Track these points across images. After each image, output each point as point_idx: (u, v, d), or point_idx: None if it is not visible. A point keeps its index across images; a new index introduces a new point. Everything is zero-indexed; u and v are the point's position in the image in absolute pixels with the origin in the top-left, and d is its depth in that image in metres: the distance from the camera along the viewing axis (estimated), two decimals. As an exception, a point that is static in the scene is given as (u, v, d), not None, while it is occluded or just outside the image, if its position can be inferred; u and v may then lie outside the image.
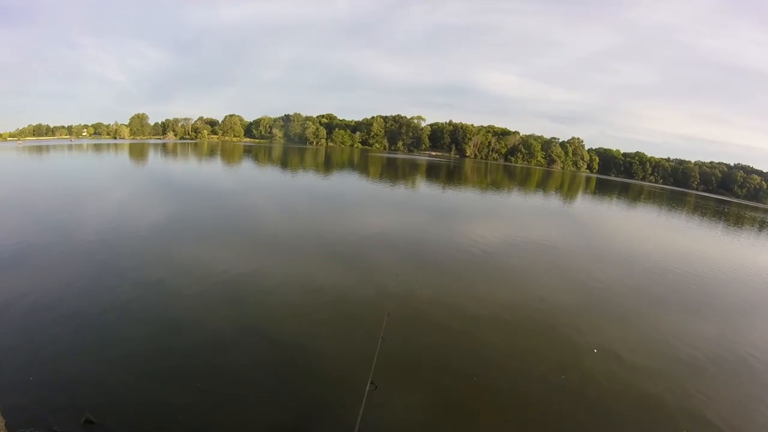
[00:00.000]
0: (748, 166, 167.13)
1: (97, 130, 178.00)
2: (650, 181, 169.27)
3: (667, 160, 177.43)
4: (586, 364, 14.79)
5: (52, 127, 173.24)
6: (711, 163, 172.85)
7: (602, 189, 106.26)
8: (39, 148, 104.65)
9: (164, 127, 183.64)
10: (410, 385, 12.75)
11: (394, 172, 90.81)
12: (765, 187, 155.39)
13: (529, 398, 12.70)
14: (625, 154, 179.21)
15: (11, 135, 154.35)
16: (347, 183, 64.91)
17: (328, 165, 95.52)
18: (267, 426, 10.56)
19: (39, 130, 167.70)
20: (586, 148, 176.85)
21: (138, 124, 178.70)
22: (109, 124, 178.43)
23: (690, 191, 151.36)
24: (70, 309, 15.43)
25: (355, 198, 50.31)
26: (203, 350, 13.66)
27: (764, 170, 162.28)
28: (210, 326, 15.04)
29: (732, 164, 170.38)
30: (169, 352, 13.40)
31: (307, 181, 63.30)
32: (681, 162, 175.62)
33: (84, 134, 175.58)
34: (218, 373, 12.49)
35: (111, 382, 11.67)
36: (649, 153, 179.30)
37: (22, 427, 9.56)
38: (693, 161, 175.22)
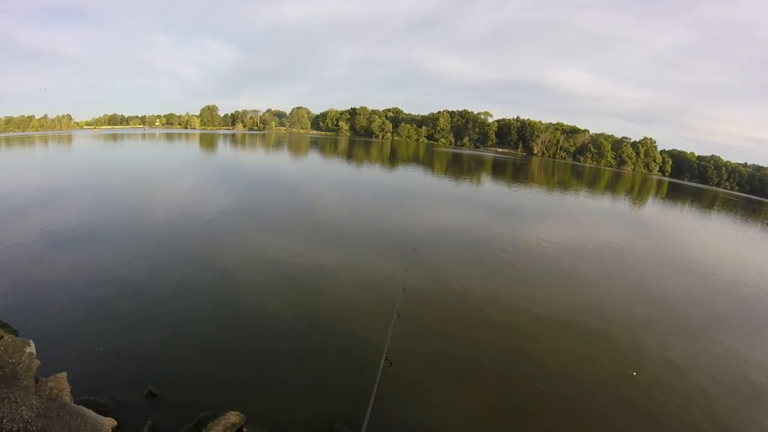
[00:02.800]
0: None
1: (169, 120, 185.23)
2: (725, 187, 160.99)
3: (744, 165, 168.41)
4: (647, 376, 14.68)
5: (126, 116, 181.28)
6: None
7: (674, 194, 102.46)
8: (114, 136, 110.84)
9: (233, 119, 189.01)
10: (465, 385, 13.19)
11: (459, 168, 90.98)
12: None
13: (582, 409, 12.81)
14: (699, 157, 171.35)
15: (87, 123, 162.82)
16: (411, 178, 65.79)
17: (393, 159, 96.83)
18: (318, 411, 11.11)
19: (114, 120, 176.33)
20: (659, 149, 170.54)
21: (208, 115, 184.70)
22: (181, 115, 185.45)
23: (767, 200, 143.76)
24: (139, 287, 16.81)
25: (419, 193, 51.17)
26: (262, 333, 14.56)
27: None
28: (269, 311, 16.01)
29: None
30: (229, 333, 14.37)
31: (371, 174, 64.68)
32: (759, 168, 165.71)
33: (157, 124, 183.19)
34: (276, 356, 13.25)
35: (173, 357, 12.64)
36: (725, 157, 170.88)
37: (87, 395, 10.10)
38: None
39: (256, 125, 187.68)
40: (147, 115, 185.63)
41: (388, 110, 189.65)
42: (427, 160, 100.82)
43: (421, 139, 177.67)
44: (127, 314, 14.80)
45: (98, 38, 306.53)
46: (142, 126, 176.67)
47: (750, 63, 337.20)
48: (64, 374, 9.54)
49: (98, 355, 12.24)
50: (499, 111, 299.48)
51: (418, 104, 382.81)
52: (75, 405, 8.85)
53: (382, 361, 9.33)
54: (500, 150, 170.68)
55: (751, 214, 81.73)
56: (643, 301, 21.95)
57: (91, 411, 8.73)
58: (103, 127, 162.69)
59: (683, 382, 14.67)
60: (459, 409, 11.90)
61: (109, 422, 8.71)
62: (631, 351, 16.30)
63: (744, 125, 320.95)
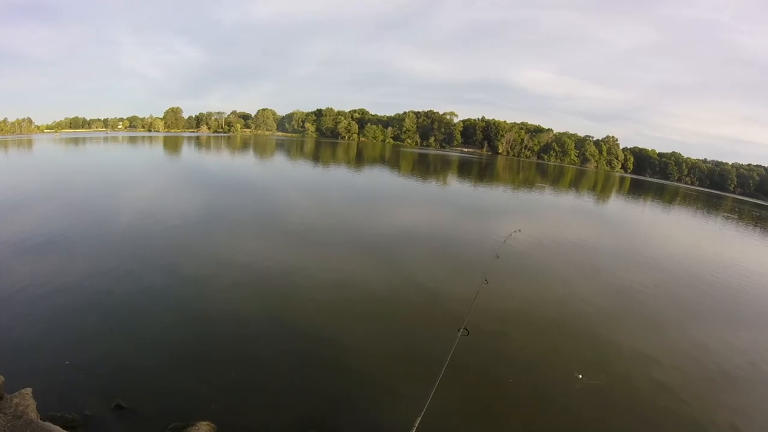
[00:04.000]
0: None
1: (132, 123, 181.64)
2: (686, 183, 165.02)
3: (704, 161, 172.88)
4: (614, 368, 14.68)
5: (88, 119, 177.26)
6: (749, 165, 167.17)
7: (636, 190, 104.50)
8: (75, 140, 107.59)
9: (198, 121, 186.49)
10: (434, 386, 12.65)
11: (425, 168, 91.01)
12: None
13: (546, 397, 12.78)
14: (660, 154, 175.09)
15: (48, 127, 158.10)
16: (378, 178, 65.42)
17: (359, 160, 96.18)
18: (291, 417, 10.69)
19: (75, 123, 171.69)
20: (621, 147, 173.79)
21: (172, 117, 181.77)
22: (144, 117, 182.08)
23: (726, 194, 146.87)
24: (104, 295, 15.98)
25: (385, 193, 50.77)
26: (232, 339, 14.00)
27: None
28: (239, 316, 15.44)
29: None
30: (198, 340, 13.78)
31: (338, 175, 63.95)
32: (718, 164, 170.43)
33: (119, 127, 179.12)
34: (247, 362, 12.76)
35: (141, 367, 12.00)
36: (685, 153, 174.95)
37: (54, 410, 9.65)
38: (730, 163, 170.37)
39: (221, 127, 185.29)
40: (109, 117, 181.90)
41: (354, 111, 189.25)
42: (393, 161, 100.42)
43: (387, 140, 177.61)
44: (92, 324, 14.01)
45: (60, 37, 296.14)
46: (104, 129, 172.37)
47: (710, 62, 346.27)
48: (29, 390, 9.22)
49: (64, 368, 11.53)
50: (464, 111, 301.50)
51: (384, 105, 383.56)
52: (42, 422, 8.43)
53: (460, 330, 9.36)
54: (466, 150, 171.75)
55: (712, 208, 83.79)
56: (608, 295, 21.96)
57: (59, 427, 8.28)
58: (64, 130, 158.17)
59: (651, 372, 14.62)
60: (433, 406, 11.51)
61: None
62: (597, 344, 16.29)
63: (704, 122, 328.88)
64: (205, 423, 9.69)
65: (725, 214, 76.06)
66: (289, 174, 62.41)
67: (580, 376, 13.71)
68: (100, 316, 14.54)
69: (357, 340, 14.49)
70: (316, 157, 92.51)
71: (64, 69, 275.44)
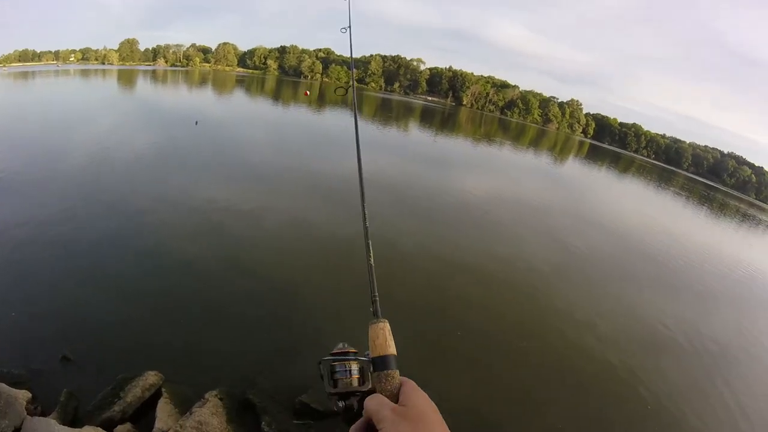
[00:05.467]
0: (741, 156, 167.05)
1: (85, 55, 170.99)
2: (642, 155, 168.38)
3: (663, 136, 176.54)
4: (557, 323, 15.12)
5: (38, 52, 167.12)
6: (705, 147, 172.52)
7: (594, 155, 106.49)
8: (24, 74, 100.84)
9: (155, 54, 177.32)
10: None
11: (388, 113, 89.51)
12: (754, 180, 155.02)
13: (497, 353, 12.96)
14: (621, 124, 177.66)
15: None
16: (339, 121, 63.01)
17: (321, 101, 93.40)
18: (239, 368, 10.47)
19: (25, 56, 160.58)
20: (584, 112, 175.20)
21: (128, 49, 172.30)
22: (98, 49, 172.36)
23: (680, 171, 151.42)
24: (54, 241, 14.97)
25: (346, 138, 48.72)
26: (183, 288, 13.39)
27: (756, 163, 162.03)
28: (192, 264, 14.71)
29: (725, 152, 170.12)
30: (148, 288, 13.15)
31: (298, 117, 61.90)
32: (676, 140, 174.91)
33: (71, 59, 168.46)
34: (198, 314, 12.29)
35: (89, 318, 11.45)
36: (645, 126, 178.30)
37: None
38: (688, 142, 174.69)
39: (179, 61, 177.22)
40: (61, 50, 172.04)
41: (320, 50, 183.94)
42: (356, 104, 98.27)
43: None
44: (39, 272, 13.08)
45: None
46: (55, 62, 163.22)
47: (687, 40, 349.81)
48: None
49: (9, 322, 10.90)
50: (432, 58, 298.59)
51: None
52: None
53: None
54: (430, 98, 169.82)
55: (664, 182, 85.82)
56: (557, 254, 22.29)
57: (4, 384, 7.94)
58: (12, 64, 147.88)
59: (593, 328, 15.35)
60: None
61: (24, 395, 8.11)
62: (544, 299, 16.70)
63: (667, 98, 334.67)
64: (152, 373, 9.53)
65: (676, 190, 78.00)
66: (247, 114, 59.95)
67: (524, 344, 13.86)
68: (48, 266, 13.59)
69: (309, 290, 14.20)
70: (276, 96, 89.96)
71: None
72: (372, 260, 1.52)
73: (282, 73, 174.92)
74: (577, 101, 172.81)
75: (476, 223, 24.26)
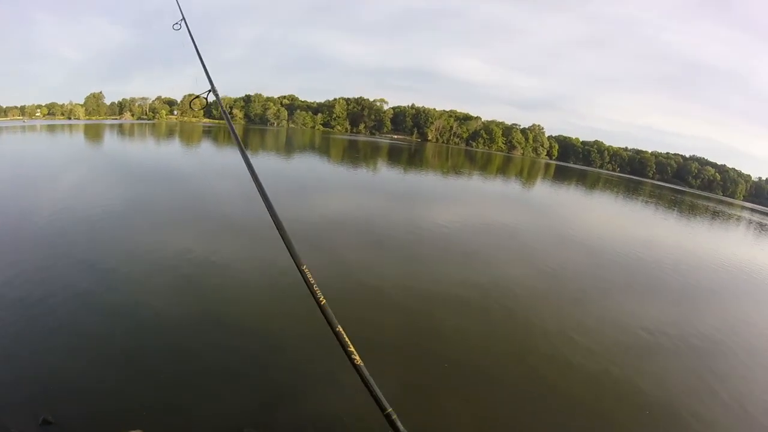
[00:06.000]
0: (703, 158, 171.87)
1: (51, 110, 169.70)
2: (608, 169, 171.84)
3: (625, 149, 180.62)
4: (545, 345, 14.81)
5: (4, 107, 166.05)
6: (667, 153, 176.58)
7: (561, 176, 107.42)
8: None
9: (121, 107, 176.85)
10: (369, 367, 12.33)
11: (355, 154, 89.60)
12: (718, 179, 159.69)
13: (487, 381, 12.59)
14: (584, 142, 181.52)
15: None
16: (307, 165, 63.44)
17: (289, 147, 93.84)
18: (227, 415, 10.00)
19: None
20: (547, 135, 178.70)
21: (94, 103, 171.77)
22: (64, 104, 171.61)
23: (646, 180, 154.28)
24: (22, 300, 14.33)
25: (315, 180, 48.88)
26: (161, 338, 13.01)
27: (718, 162, 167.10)
28: (169, 314, 14.33)
29: (687, 155, 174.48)
30: (125, 342, 12.64)
31: (266, 163, 62.01)
32: (638, 152, 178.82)
33: (38, 114, 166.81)
34: (179, 362, 11.93)
35: (67, 377, 10.92)
36: (608, 142, 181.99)
37: None
38: (650, 151, 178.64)
39: (146, 114, 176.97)
40: (27, 105, 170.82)
41: (284, 97, 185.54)
42: (323, 148, 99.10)
43: (317, 127, 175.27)
44: (11, 333, 12.47)
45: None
46: (21, 117, 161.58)
47: (633, 56, 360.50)
48: None
49: None
50: (394, 98, 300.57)
51: (314, 90, 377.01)
52: None
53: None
54: (396, 136, 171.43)
55: (632, 193, 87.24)
56: (537, 276, 22.12)
57: None
58: None
59: (581, 345, 15.10)
60: (363, 392, 11.07)
61: None
62: (528, 323, 16.45)
63: (625, 113, 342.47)
64: None
65: (644, 198, 79.41)
66: (216, 163, 59.67)
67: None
68: (20, 324, 13.07)
69: (290, 331, 13.86)
70: (244, 145, 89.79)
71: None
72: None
73: (248, 122, 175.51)
74: (539, 126, 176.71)
75: (450, 255, 24.07)
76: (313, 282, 1.99)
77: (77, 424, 9.42)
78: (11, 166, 44.07)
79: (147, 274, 17.31)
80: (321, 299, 1.57)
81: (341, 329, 1.84)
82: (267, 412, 10.19)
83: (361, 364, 1.94)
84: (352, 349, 2.27)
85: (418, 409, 10.79)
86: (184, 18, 4.93)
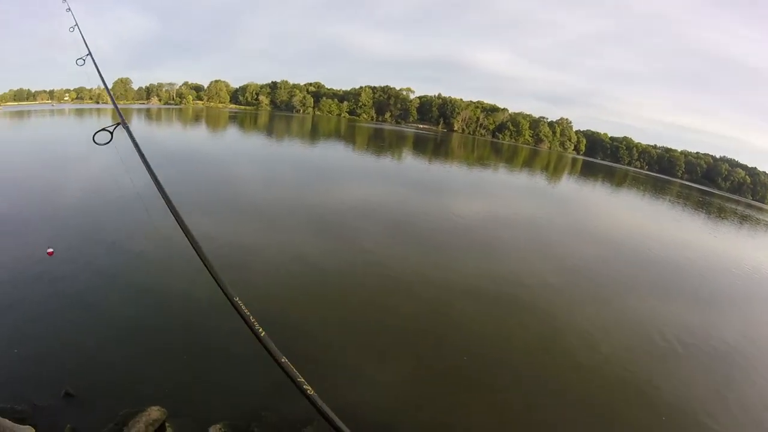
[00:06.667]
0: (733, 159, 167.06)
1: (79, 94, 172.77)
2: (636, 167, 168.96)
3: (654, 147, 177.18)
4: (562, 342, 15.00)
5: (33, 91, 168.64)
6: (697, 153, 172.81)
7: (588, 171, 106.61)
8: (20, 114, 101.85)
9: (148, 92, 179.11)
10: (389, 357, 12.88)
11: (380, 143, 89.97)
12: (748, 182, 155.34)
13: (503, 375, 12.86)
14: (612, 138, 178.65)
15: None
16: (333, 153, 63.81)
17: (314, 134, 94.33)
18: (242, 401, 10.50)
19: (20, 95, 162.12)
20: (574, 129, 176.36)
21: (121, 88, 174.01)
22: (92, 89, 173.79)
23: (674, 179, 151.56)
24: (52, 279, 15.01)
25: (339, 169, 49.18)
26: (185, 323, 13.40)
27: (749, 164, 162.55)
28: (191, 299, 14.53)
29: (717, 156, 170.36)
30: (150, 324, 13.22)
31: (292, 150, 62.29)
32: (667, 150, 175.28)
33: (66, 99, 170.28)
34: (199, 347, 12.31)
35: (91, 354, 11.51)
36: (636, 138, 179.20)
37: (2, 402, 9.40)
38: (679, 150, 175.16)
39: (173, 99, 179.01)
40: (55, 89, 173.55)
41: (310, 84, 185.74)
42: (348, 136, 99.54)
43: (342, 114, 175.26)
44: (41, 311, 13.17)
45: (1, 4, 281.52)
46: (50, 101, 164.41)
47: (661, 52, 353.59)
48: None
49: (12, 358, 10.99)
50: (421, 88, 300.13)
51: (340, 79, 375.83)
52: None
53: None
54: (421, 126, 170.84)
55: (660, 192, 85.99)
56: (557, 271, 22.21)
57: (8, 420, 8.28)
58: (8, 103, 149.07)
59: (599, 345, 15.19)
60: (382, 382, 11.80)
61: (28, 430, 8.34)
62: (547, 319, 16.63)
63: (653, 109, 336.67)
64: (155, 408, 9.56)
65: (672, 198, 78.18)
66: (242, 148, 60.20)
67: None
68: (49, 303, 13.70)
69: (311, 321, 14.24)
70: (270, 131, 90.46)
71: (5, 38, 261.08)
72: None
73: (274, 108, 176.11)
74: (567, 119, 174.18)
75: (473, 246, 24.28)
76: (248, 314, 1.83)
77: (98, 397, 10.01)
78: (41, 149, 44.85)
79: (171, 260, 17.43)
80: (260, 331, 1.55)
81: (286, 360, 1.78)
82: (281, 401, 10.38)
83: (314, 394, 2.73)
84: (302, 379, 2.75)
85: (437, 400, 11.13)
86: (90, 53, 5.04)
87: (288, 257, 19.40)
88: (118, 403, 9.70)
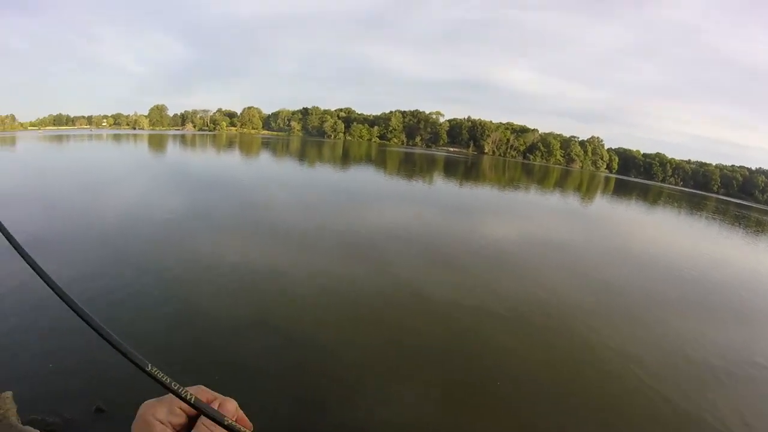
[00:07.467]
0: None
1: (116, 120, 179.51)
2: (670, 183, 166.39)
3: (688, 162, 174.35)
4: (596, 365, 14.72)
5: (72, 117, 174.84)
6: (732, 166, 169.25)
7: (621, 190, 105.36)
8: (59, 138, 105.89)
9: (183, 119, 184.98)
10: (418, 379, 12.78)
11: (411, 167, 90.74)
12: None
13: (538, 396, 12.66)
14: (645, 155, 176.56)
15: (32, 124, 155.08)
16: (364, 177, 65.11)
17: (345, 159, 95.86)
18: (274, 422, 10.48)
19: (59, 120, 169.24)
20: (606, 147, 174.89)
21: (157, 115, 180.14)
22: (129, 115, 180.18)
23: (710, 194, 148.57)
24: (87, 298, 15.41)
25: (371, 193, 50.31)
26: (217, 343, 13.70)
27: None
28: (224, 320, 15.08)
29: (753, 168, 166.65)
30: (181, 344, 13.54)
31: (324, 174, 63.64)
32: (702, 164, 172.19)
33: (104, 124, 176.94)
34: (231, 366, 12.52)
35: (123, 371, 11.51)
36: (669, 154, 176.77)
37: (35, 414, 9.58)
38: (714, 164, 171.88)
39: (207, 125, 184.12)
40: (93, 115, 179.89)
41: (341, 110, 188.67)
42: (379, 160, 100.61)
43: (373, 139, 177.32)
44: (75, 328, 13.55)
45: (42, 30, 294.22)
46: (88, 126, 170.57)
47: (692, 64, 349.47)
48: (9, 393, 9.20)
49: (46, 372, 11.39)
50: (450, 110, 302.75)
51: (370, 104, 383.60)
52: (22, 425, 8.52)
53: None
54: (452, 149, 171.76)
55: (695, 208, 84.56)
56: (592, 293, 22.07)
57: (38, 431, 8.38)
58: (48, 127, 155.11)
59: (635, 369, 14.62)
60: (411, 405, 11.66)
61: None
62: (581, 341, 16.26)
63: (685, 123, 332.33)
64: None
65: (708, 214, 76.74)
66: (275, 173, 61.86)
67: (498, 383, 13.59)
68: (82, 320, 14.08)
69: (343, 343, 14.33)
70: (302, 156, 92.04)
71: (46, 64, 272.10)
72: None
73: (306, 134, 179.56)
74: (598, 138, 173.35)
75: (504, 267, 24.28)
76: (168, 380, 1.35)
77: (128, 413, 10.20)
78: (78, 172, 46.82)
79: (204, 282, 18.39)
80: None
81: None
82: (312, 422, 10.68)
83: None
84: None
85: (466, 423, 11.12)
86: None
87: (318, 278, 19.77)
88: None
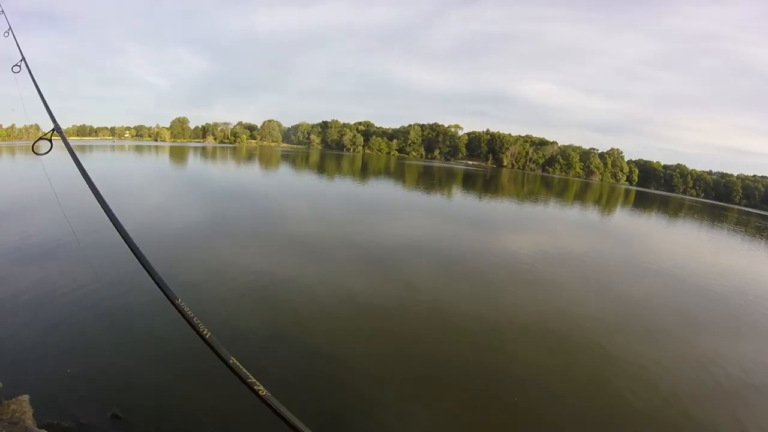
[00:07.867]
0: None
1: (138, 132, 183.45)
2: (691, 195, 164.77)
3: (709, 173, 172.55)
4: (619, 382, 14.49)
5: (95, 128, 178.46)
6: (754, 176, 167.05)
7: (641, 202, 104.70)
8: (82, 148, 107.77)
9: (204, 131, 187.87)
10: (437, 394, 12.82)
11: (430, 180, 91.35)
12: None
13: (556, 417, 12.51)
14: (665, 166, 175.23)
15: (55, 135, 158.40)
16: (383, 191, 65.71)
17: (364, 172, 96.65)
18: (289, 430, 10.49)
19: (83, 131, 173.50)
20: (626, 159, 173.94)
21: (179, 127, 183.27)
22: (151, 127, 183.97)
23: (732, 206, 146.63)
24: (107, 305, 15.93)
25: (390, 205, 50.83)
26: (233, 353, 13.79)
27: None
28: (239, 330, 15.20)
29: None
30: (198, 352, 13.57)
31: (343, 187, 64.46)
32: (723, 175, 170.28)
33: (126, 136, 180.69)
34: (255, 369, 12.58)
35: (141, 378, 11.97)
36: (690, 165, 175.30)
37: (51, 419, 9.65)
38: (735, 174, 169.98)
39: (227, 138, 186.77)
40: (116, 126, 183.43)
41: (360, 123, 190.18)
42: (398, 173, 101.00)
43: (392, 152, 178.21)
44: (94, 333, 13.97)
45: (67, 45, 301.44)
46: (111, 138, 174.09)
47: (712, 73, 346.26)
48: (26, 397, 9.14)
49: (63, 377, 11.53)
50: (468, 123, 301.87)
51: (389, 117, 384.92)
52: (38, 429, 8.46)
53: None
54: (471, 162, 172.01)
55: (717, 219, 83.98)
56: (614, 308, 21.85)
57: None
58: (71, 138, 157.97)
59: (659, 386, 14.46)
60: (428, 420, 11.57)
61: None
62: (604, 358, 16.10)
63: (707, 134, 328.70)
64: None
65: (731, 225, 75.95)
66: (294, 185, 62.58)
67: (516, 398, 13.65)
68: (102, 326, 14.56)
69: (356, 355, 14.35)
70: (321, 169, 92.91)
71: (71, 77, 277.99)
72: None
73: (325, 147, 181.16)
74: (618, 150, 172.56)
75: (524, 282, 23.97)
76: (192, 315, 3.10)
77: (144, 420, 10.37)
78: (99, 181, 47.60)
79: (221, 292, 18.57)
80: (205, 332, 1.76)
81: (235, 360, 2.13)
82: (326, 425, 10.64)
83: (268, 393, 2.92)
84: (253, 379, 3.03)
85: None
86: (24, 59, 5.75)
87: (334, 290, 19.74)
88: (165, 428, 10.11)
